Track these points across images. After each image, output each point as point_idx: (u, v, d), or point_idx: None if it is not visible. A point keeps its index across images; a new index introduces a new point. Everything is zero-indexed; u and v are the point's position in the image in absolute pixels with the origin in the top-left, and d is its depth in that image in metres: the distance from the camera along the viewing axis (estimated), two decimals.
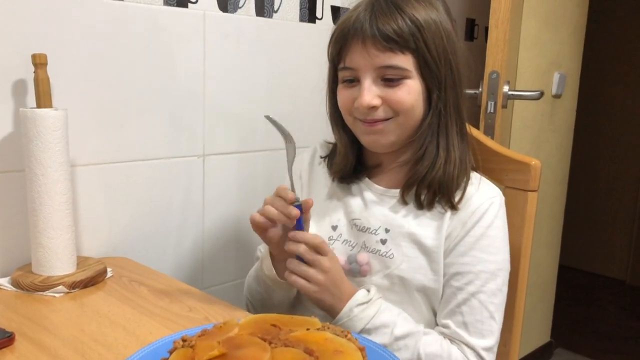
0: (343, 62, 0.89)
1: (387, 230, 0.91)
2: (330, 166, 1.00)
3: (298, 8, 1.38)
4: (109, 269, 1.02)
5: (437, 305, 0.90)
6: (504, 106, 1.47)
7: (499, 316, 0.89)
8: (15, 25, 0.97)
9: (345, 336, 0.64)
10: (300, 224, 0.84)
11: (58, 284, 0.93)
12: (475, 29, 2.08)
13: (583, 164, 3.32)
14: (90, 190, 1.10)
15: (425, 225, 0.90)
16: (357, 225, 0.94)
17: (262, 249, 1.06)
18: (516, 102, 1.80)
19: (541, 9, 1.88)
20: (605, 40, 3.34)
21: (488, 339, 0.87)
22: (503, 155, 1.01)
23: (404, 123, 0.88)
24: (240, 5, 1.27)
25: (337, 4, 1.46)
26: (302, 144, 1.07)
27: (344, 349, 0.60)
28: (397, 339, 0.84)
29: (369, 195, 0.95)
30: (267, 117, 0.83)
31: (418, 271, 0.89)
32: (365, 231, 0.93)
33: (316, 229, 0.95)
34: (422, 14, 0.84)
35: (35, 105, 0.96)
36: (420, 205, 0.90)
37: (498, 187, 0.94)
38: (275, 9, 1.34)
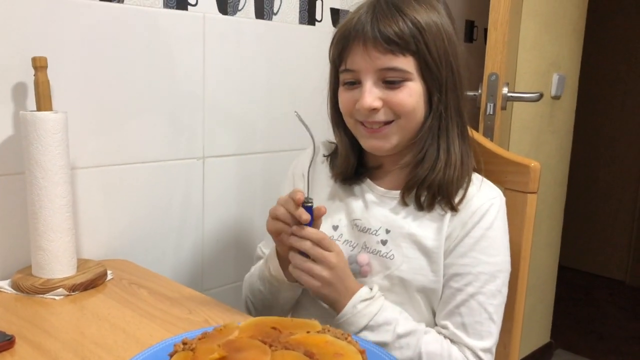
0: (344, 64, 0.89)
1: (387, 231, 0.91)
2: (332, 167, 1.01)
3: (297, 10, 1.39)
4: (109, 272, 1.02)
5: (437, 306, 0.91)
6: (503, 108, 1.47)
7: (498, 317, 0.89)
8: (16, 28, 0.97)
9: (346, 339, 0.64)
10: (310, 226, 0.84)
11: (58, 287, 0.93)
12: (474, 31, 2.09)
13: (582, 165, 3.32)
14: (90, 192, 1.10)
15: (425, 226, 0.90)
16: (357, 226, 0.94)
17: (264, 247, 1.06)
18: (515, 103, 1.80)
19: (540, 11, 1.88)
20: (604, 42, 3.34)
21: (487, 340, 0.87)
22: (502, 157, 1.01)
23: (406, 126, 0.88)
24: (239, 8, 1.27)
25: (337, 6, 1.47)
26: (301, 146, 1.07)
27: (344, 352, 0.60)
28: (400, 336, 0.84)
29: (370, 196, 0.95)
30: (297, 114, 0.83)
31: (418, 272, 0.89)
32: (366, 232, 0.93)
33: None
34: (423, 16, 0.84)
35: (35, 108, 0.96)
36: (420, 207, 0.90)
37: (498, 188, 0.94)
38: (275, 11, 1.34)
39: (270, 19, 1.33)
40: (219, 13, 1.24)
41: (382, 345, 0.83)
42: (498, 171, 1.01)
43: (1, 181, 0.99)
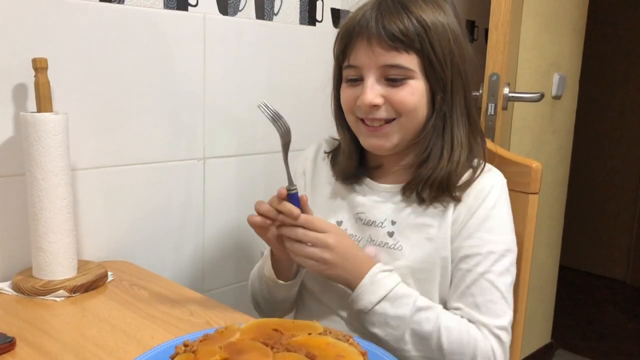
0: (347, 60, 0.89)
1: (393, 223, 0.91)
2: (333, 164, 1.00)
3: (298, 11, 1.38)
4: (109, 273, 1.02)
5: (447, 294, 0.90)
6: (504, 108, 1.47)
7: (510, 297, 0.87)
8: (16, 29, 0.97)
9: (347, 340, 0.64)
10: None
11: (59, 288, 0.93)
12: (475, 31, 2.09)
13: (583, 164, 3.32)
14: (91, 194, 1.10)
15: (431, 215, 0.89)
16: (361, 219, 0.94)
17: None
18: (516, 103, 1.80)
19: (541, 11, 1.88)
20: (604, 41, 3.34)
21: (502, 318, 0.85)
22: (504, 158, 1.01)
23: (407, 125, 0.88)
24: (240, 8, 1.27)
25: (337, 6, 1.46)
26: (302, 146, 1.07)
27: (345, 354, 0.60)
28: (419, 309, 0.83)
29: (371, 193, 0.95)
30: (260, 107, 0.82)
31: (426, 260, 0.88)
32: (371, 225, 0.92)
33: None
34: (429, 15, 0.84)
35: (35, 110, 0.96)
36: (422, 202, 0.90)
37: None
38: (276, 11, 1.34)
39: (270, 19, 1.33)
40: (219, 13, 1.24)
41: (401, 319, 0.82)
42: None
43: (2, 182, 0.99)
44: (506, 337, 0.86)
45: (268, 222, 0.84)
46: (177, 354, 0.62)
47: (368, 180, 0.96)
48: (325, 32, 1.42)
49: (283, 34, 1.36)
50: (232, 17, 1.26)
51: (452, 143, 0.88)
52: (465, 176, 0.89)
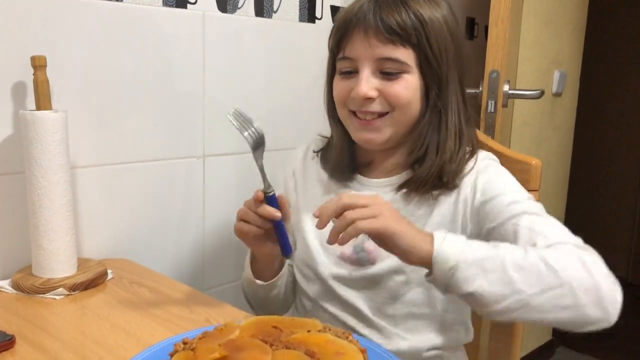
0: (342, 52, 0.88)
1: None
2: (324, 161, 0.99)
3: (297, 8, 1.38)
4: (109, 271, 1.02)
5: None
6: (505, 105, 1.47)
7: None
8: (15, 27, 0.97)
9: (347, 338, 0.64)
10: (281, 223, 0.82)
11: (58, 286, 0.93)
12: (475, 28, 2.08)
13: (584, 162, 3.32)
14: (91, 191, 1.10)
15: (428, 206, 0.88)
16: None
17: None
18: (516, 100, 1.80)
19: (541, 8, 1.88)
20: (605, 38, 3.33)
21: (574, 237, 0.80)
22: (504, 155, 1.01)
23: (400, 119, 0.87)
24: (239, 6, 1.27)
25: (337, 3, 1.46)
26: (302, 143, 1.07)
27: (345, 351, 0.60)
28: (498, 245, 0.73)
29: (364, 190, 0.94)
30: (229, 117, 0.81)
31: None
32: None
33: (315, 225, 0.95)
34: (426, 11, 0.84)
35: (34, 108, 0.95)
36: (417, 195, 0.88)
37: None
38: (275, 9, 1.34)
39: (270, 16, 1.33)
40: (218, 11, 1.24)
41: (493, 257, 0.70)
42: None
43: (1, 181, 0.99)
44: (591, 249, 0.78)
45: (260, 231, 0.82)
46: (176, 351, 0.62)
47: (359, 176, 0.95)
48: (325, 30, 1.40)
49: (282, 32, 1.36)
50: (232, 14, 1.26)
51: (446, 140, 0.87)
52: (460, 164, 0.88)
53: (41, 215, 0.94)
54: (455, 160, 0.87)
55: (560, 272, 0.69)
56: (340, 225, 0.71)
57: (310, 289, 0.96)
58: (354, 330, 0.90)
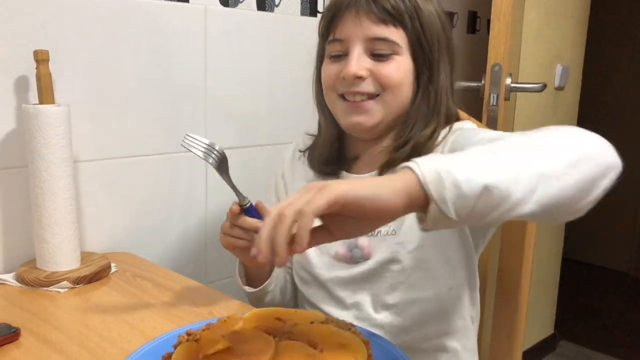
0: (333, 34, 0.87)
1: None
2: (311, 159, 0.97)
3: (299, 2, 1.38)
4: (112, 264, 1.03)
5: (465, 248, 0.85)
6: (507, 99, 1.47)
7: None
8: (17, 21, 0.97)
9: (349, 329, 0.64)
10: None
11: (62, 280, 0.93)
12: (477, 22, 2.08)
13: None
14: (93, 186, 1.10)
15: None
16: None
17: None
18: (519, 94, 1.79)
19: (543, 2, 1.87)
20: (607, 32, 3.32)
21: None
22: None
23: (390, 101, 0.85)
24: (241, 0, 1.27)
25: None
26: (305, 138, 1.07)
27: (348, 342, 0.60)
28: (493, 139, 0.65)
29: None
30: (184, 143, 0.80)
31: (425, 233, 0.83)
32: None
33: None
34: (419, 0, 0.84)
35: (37, 102, 0.96)
36: None
37: None
38: (277, 3, 1.33)
39: (272, 10, 1.33)
40: (220, 5, 1.23)
41: (493, 151, 0.61)
42: None
43: (5, 175, 1.00)
44: None
45: (245, 242, 0.81)
46: (180, 342, 0.62)
47: (345, 173, 0.94)
48: None
49: (284, 25, 1.36)
50: (233, 8, 1.26)
51: (432, 126, 0.86)
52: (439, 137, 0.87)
53: (44, 209, 0.94)
54: (433, 135, 0.86)
55: (556, 137, 0.66)
56: (281, 229, 0.54)
57: (309, 292, 0.95)
58: None
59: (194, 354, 0.59)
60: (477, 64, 1.64)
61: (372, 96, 0.85)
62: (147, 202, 1.19)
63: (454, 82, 0.90)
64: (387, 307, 0.88)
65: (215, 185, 1.30)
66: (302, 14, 1.39)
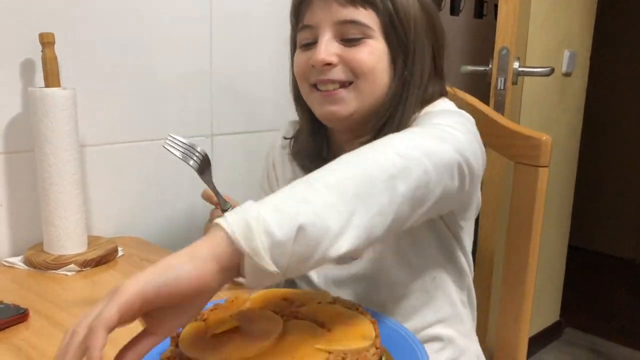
0: (302, 21, 0.82)
1: None
2: (294, 152, 0.93)
3: None
4: (119, 248, 1.03)
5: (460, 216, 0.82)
6: (514, 83, 1.46)
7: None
8: (22, 4, 0.96)
9: (357, 309, 0.64)
10: None
11: (70, 263, 0.94)
12: (484, 7, 2.06)
13: (592, 143, 3.30)
14: (100, 170, 1.11)
15: None
16: None
17: None
18: (526, 80, 1.78)
19: None
20: (616, 18, 3.29)
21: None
22: (513, 131, 1.00)
23: (365, 89, 0.80)
24: None
25: None
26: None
27: (355, 322, 0.60)
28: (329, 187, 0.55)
29: None
30: (166, 144, 0.79)
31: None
32: None
33: None
34: None
35: (43, 85, 0.95)
36: None
37: (508, 162, 0.90)
38: None
39: None
40: None
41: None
42: (508, 145, 1.00)
43: (12, 159, 1.00)
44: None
45: None
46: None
47: None
48: None
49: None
50: None
51: (403, 114, 0.81)
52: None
53: (52, 193, 0.94)
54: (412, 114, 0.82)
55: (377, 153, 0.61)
56: (69, 352, 0.44)
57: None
58: None
59: (202, 333, 0.59)
60: (484, 49, 1.63)
61: (344, 84, 0.80)
62: (154, 186, 1.20)
63: (440, 63, 0.86)
64: (376, 306, 0.87)
65: (221, 170, 1.29)
66: None
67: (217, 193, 0.83)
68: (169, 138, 0.79)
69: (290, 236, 0.49)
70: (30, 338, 0.71)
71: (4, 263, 0.96)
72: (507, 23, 1.41)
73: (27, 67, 0.99)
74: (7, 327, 0.73)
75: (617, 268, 3.37)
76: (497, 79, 1.44)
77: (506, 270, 1.04)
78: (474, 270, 0.96)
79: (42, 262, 0.94)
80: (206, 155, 0.81)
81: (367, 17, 0.78)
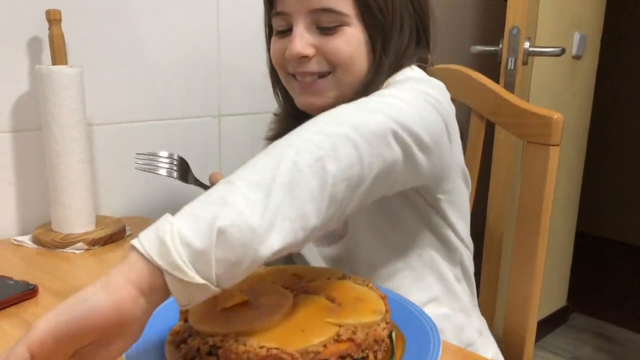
0: (275, 7, 0.78)
1: None
2: (274, 138, 0.90)
3: None
4: (127, 228, 1.03)
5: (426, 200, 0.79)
6: (525, 63, 1.44)
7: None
8: None
9: (367, 285, 0.63)
10: None
11: (78, 241, 0.94)
12: None
13: (601, 127, 3.27)
14: (108, 149, 1.10)
15: None
16: None
17: None
18: (536, 63, 1.76)
19: None
20: (627, 1, 3.24)
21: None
22: (524, 110, 0.99)
23: (343, 79, 0.77)
24: None
25: None
26: None
27: (365, 297, 0.60)
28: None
29: None
30: (141, 169, 0.79)
31: (388, 200, 0.74)
32: None
33: None
34: None
35: (50, 63, 0.95)
36: None
37: (518, 142, 0.88)
38: None
39: None
40: None
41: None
42: (520, 124, 0.99)
43: (19, 137, 0.99)
44: None
45: None
46: None
47: None
48: None
49: None
50: None
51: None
52: None
53: (59, 171, 0.94)
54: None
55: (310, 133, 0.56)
56: None
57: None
58: None
59: (211, 307, 0.59)
60: (494, 31, 1.61)
61: (323, 75, 0.78)
62: None
63: (428, 44, 0.82)
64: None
65: (228, 151, 1.29)
66: None
67: (206, 188, 0.82)
68: (138, 158, 0.79)
69: (211, 243, 0.45)
70: (40, 313, 0.71)
71: (13, 241, 0.96)
72: (518, 2, 1.39)
73: (34, 45, 0.98)
74: (17, 303, 0.73)
75: (624, 254, 3.36)
76: (507, 59, 1.42)
77: (515, 251, 1.03)
78: (482, 246, 0.93)
79: (50, 241, 0.94)
80: (181, 158, 0.81)
81: (341, 3, 0.74)
